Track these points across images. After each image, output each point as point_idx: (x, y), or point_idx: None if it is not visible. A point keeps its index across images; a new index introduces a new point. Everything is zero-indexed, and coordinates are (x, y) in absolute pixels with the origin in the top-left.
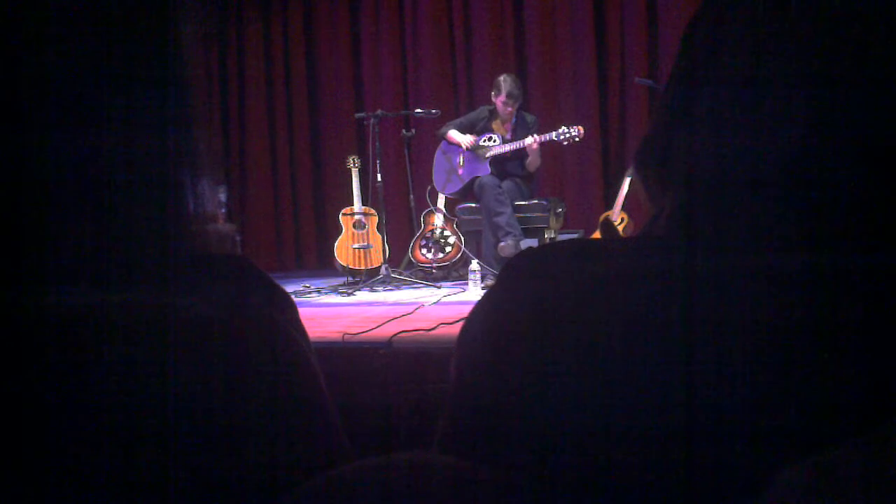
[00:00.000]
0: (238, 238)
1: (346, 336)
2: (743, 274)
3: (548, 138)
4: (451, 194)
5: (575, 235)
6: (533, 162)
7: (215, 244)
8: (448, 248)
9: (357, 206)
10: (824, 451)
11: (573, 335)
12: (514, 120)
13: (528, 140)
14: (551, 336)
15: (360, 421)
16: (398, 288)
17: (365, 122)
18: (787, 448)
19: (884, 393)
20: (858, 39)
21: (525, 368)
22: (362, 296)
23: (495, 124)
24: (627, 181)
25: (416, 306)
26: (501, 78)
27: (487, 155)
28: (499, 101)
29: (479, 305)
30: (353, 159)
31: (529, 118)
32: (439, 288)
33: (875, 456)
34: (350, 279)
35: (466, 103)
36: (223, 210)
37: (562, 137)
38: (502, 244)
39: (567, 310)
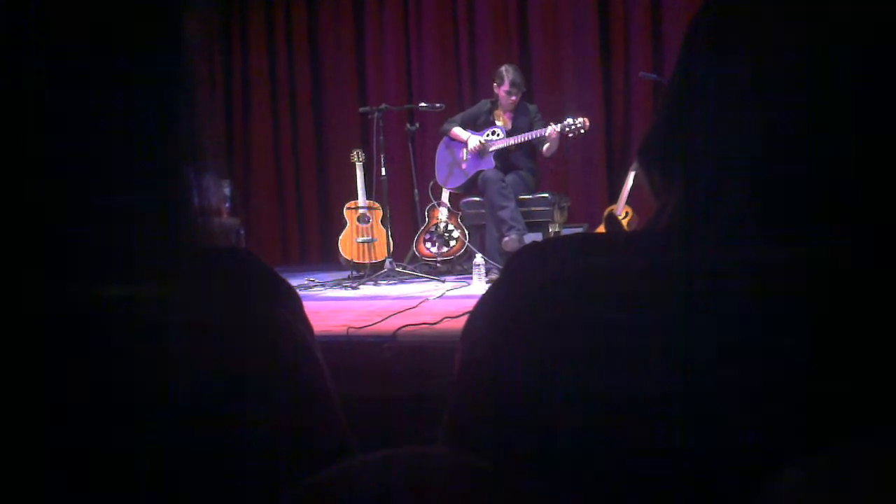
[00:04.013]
0: (242, 232)
1: (350, 330)
2: (745, 269)
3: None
4: (453, 188)
5: (579, 230)
6: (550, 148)
7: (219, 238)
8: (452, 242)
9: (361, 199)
10: (824, 449)
11: (576, 329)
12: (515, 110)
13: (547, 130)
14: (554, 330)
15: (364, 414)
16: (402, 282)
17: (369, 116)
18: (787, 444)
19: (886, 391)
20: (859, 37)
21: (528, 362)
22: (366, 290)
23: (497, 115)
24: (632, 175)
25: (420, 300)
26: (504, 68)
27: (491, 149)
28: (502, 90)
29: (484, 299)
30: (358, 153)
31: (531, 108)
32: (443, 282)
33: (874, 456)
34: (354, 273)
35: (470, 96)
36: (227, 204)
37: (567, 129)
38: (506, 239)
39: (571, 304)
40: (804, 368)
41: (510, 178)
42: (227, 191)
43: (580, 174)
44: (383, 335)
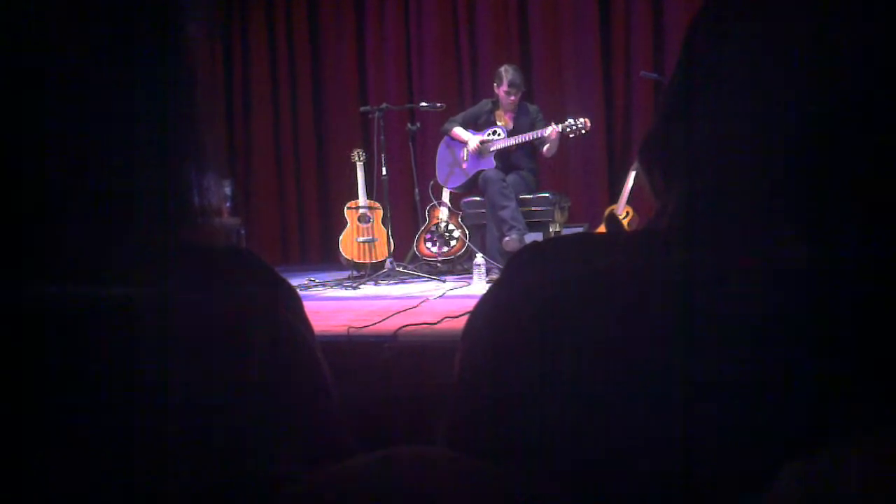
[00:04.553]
0: (242, 231)
1: (350, 330)
2: (745, 269)
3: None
4: (453, 188)
5: (580, 230)
6: (550, 149)
7: (220, 238)
8: (453, 242)
9: (362, 199)
10: (824, 450)
11: (576, 329)
12: (516, 110)
13: (547, 130)
14: (554, 330)
15: (364, 414)
16: (403, 282)
17: (370, 116)
18: (787, 444)
19: (886, 390)
20: (860, 34)
21: (528, 362)
22: (367, 289)
23: (498, 115)
24: (632, 175)
25: (420, 300)
26: (503, 68)
27: (492, 149)
28: (501, 90)
29: (484, 299)
30: (358, 153)
31: (532, 108)
32: (444, 282)
33: (873, 456)
34: (355, 273)
35: (471, 96)
36: (228, 204)
37: (568, 130)
38: (507, 239)
39: (570, 304)
40: (804, 369)
41: (511, 177)
42: (227, 190)
43: (581, 174)
44: (384, 335)
